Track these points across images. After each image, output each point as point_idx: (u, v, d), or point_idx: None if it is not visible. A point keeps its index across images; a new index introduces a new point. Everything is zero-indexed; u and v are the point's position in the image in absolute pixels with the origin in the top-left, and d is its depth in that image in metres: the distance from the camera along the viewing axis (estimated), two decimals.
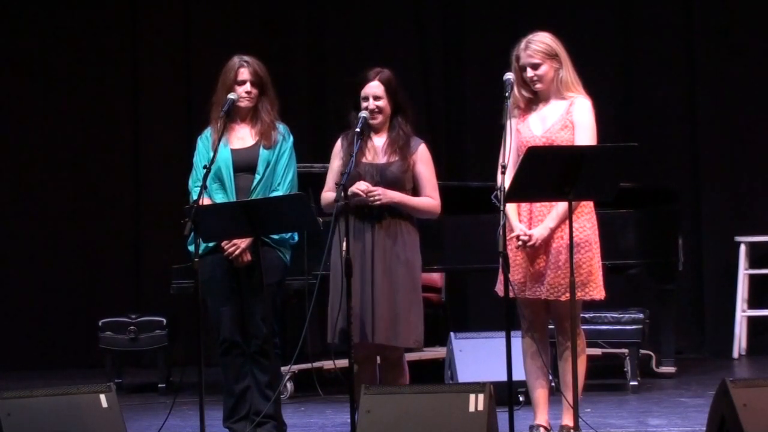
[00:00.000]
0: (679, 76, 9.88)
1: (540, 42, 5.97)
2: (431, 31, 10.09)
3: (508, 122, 5.84)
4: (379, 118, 6.10)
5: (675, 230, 8.23)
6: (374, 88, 6.10)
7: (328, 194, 6.14)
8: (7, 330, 9.90)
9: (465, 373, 7.35)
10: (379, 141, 6.14)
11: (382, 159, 6.10)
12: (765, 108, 9.74)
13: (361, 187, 5.96)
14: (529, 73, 5.97)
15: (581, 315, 6.38)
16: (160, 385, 8.42)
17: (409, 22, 10.09)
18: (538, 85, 5.98)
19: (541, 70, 5.96)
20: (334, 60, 9.98)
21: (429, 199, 6.13)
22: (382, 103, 6.10)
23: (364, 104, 6.10)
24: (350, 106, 6.17)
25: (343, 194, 5.81)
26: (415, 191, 6.12)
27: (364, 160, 6.06)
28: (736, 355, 9.44)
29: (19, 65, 10.14)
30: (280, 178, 6.27)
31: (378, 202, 5.98)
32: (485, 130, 8.71)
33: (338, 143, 6.21)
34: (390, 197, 6.01)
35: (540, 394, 6.07)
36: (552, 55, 5.95)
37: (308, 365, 7.61)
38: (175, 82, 10.11)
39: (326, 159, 6.29)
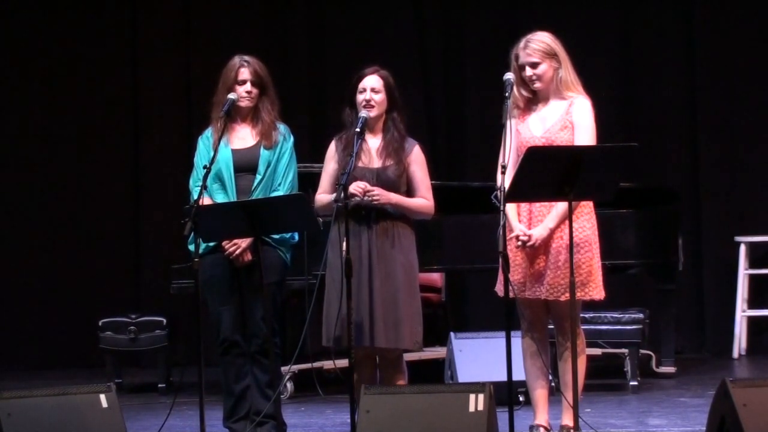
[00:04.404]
0: (679, 76, 9.89)
1: (539, 41, 5.97)
2: (431, 31, 10.09)
3: (508, 122, 5.84)
4: (374, 112, 6.10)
5: (675, 230, 8.23)
6: (373, 81, 6.12)
7: (321, 196, 6.15)
8: (7, 330, 9.90)
9: (465, 373, 7.35)
10: (374, 143, 6.14)
11: (377, 163, 6.10)
12: (765, 108, 9.74)
13: (359, 186, 5.96)
14: (528, 72, 5.97)
15: (581, 315, 6.37)
16: (160, 385, 8.42)
17: (409, 22, 10.09)
18: (537, 84, 5.98)
19: (540, 69, 5.96)
20: (334, 60, 9.98)
21: (424, 200, 6.14)
22: (379, 97, 6.11)
23: (361, 96, 6.10)
24: (345, 104, 6.18)
25: (342, 194, 5.82)
26: (409, 192, 6.13)
27: (360, 164, 6.05)
28: (736, 355, 9.44)
29: (19, 65, 10.14)
30: (281, 178, 6.27)
31: (376, 202, 5.98)
32: (485, 130, 8.73)
33: (332, 145, 6.21)
34: (387, 198, 6.01)
35: (540, 395, 6.07)
36: (551, 54, 5.95)
37: (308, 365, 7.61)
38: (175, 82, 10.11)
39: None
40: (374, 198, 5.97)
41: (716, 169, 9.77)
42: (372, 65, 6.20)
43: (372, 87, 6.11)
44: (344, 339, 5.90)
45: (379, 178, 6.05)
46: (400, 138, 6.14)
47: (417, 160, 6.16)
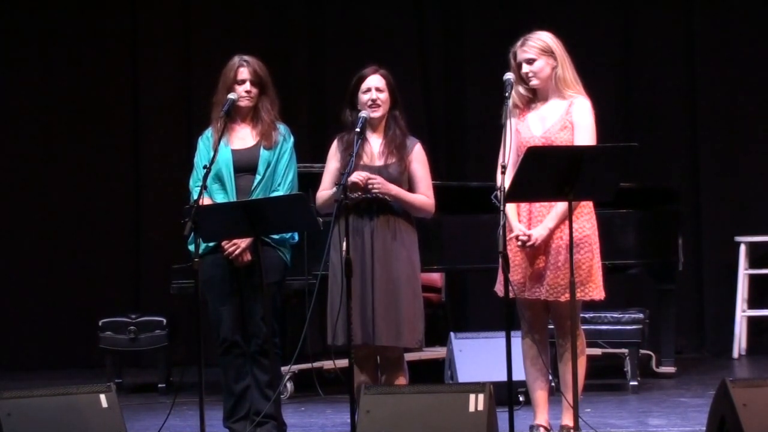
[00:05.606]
0: (679, 76, 9.89)
1: (537, 39, 5.98)
2: (431, 30, 10.09)
3: (508, 122, 5.84)
4: (380, 111, 6.11)
5: (675, 230, 8.22)
6: (376, 80, 6.12)
7: (323, 193, 6.15)
8: (8, 330, 9.90)
9: (465, 373, 7.35)
10: (375, 142, 6.14)
11: (379, 161, 6.10)
12: (765, 108, 9.74)
13: (361, 175, 5.96)
14: (525, 68, 5.97)
15: (581, 315, 6.37)
16: (160, 385, 8.41)
17: (409, 22, 10.09)
18: (534, 82, 5.98)
19: (536, 66, 5.96)
20: (334, 60, 9.98)
21: (424, 197, 6.14)
22: (384, 96, 6.12)
23: (365, 97, 6.10)
24: (345, 105, 6.18)
25: (342, 194, 5.82)
26: (411, 190, 6.13)
27: (361, 163, 6.06)
28: (736, 355, 9.44)
29: (19, 65, 10.13)
30: (281, 178, 6.27)
31: (376, 190, 5.97)
32: (485, 130, 8.71)
33: (334, 144, 6.22)
34: (388, 189, 6.01)
35: (540, 395, 6.07)
36: (547, 52, 5.95)
37: (308, 365, 7.61)
38: (175, 82, 10.11)
39: (326, 159, 6.28)
40: (375, 186, 5.97)
41: (716, 169, 9.77)
42: (370, 65, 6.20)
43: (376, 86, 6.11)
44: (347, 338, 5.89)
45: (380, 176, 6.04)
46: (402, 136, 6.14)
47: (418, 158, 6.16)
